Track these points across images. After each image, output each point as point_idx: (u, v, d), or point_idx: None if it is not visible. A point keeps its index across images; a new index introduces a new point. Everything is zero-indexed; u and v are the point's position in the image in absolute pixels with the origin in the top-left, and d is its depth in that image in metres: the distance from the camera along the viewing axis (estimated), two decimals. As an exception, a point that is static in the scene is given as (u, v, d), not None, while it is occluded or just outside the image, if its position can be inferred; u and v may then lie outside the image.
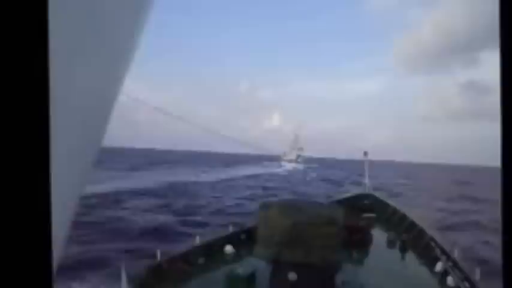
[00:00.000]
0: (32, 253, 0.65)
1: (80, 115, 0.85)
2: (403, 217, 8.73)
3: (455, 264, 5.37)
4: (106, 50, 0.89)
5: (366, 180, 12.02)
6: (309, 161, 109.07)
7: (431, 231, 7.17)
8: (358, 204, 10.35)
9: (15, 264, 0.65)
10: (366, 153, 12.83)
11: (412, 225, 7.95)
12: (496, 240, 11.91)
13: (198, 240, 6.26)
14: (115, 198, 19.89)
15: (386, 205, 10.17)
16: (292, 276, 3.96)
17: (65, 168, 0.75)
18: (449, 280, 5.06)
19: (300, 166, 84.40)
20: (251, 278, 4.87)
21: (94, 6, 0.80)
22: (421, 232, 7.29)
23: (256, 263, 4.82)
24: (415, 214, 8.88)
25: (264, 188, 30.83)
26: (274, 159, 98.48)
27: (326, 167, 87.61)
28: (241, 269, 4.92)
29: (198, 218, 15.86)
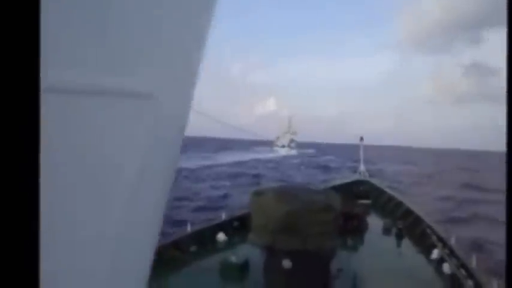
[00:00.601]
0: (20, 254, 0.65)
1: None
2: (399, 204, 8.83)
3: (451, 252, 5.46)
4: None
5: (361, 166, 12.11)
6: (304, 146, 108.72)
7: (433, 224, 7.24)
8: (353, 191, 10.43)
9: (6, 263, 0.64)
10: (361, 138, 12.93)
11: (408, 212, 8.05)
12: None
13: (189, 228, 6.29)
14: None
15: (382, 191, 10.27)
16: (286, 263, 4.00)
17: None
18: (446, 267, 5.15)
19: (293, 151, 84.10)
20: (245, 265, 4.92)
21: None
22: (418, 219, 7.39)
23: (249, 251, 4.87)
24: (417, 205, 8.92)
25: (248, 176, 30.15)
26: (268, 144, 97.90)
27: (322, 153, 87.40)
28: (235, 256, 4.96)
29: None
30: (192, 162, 39.18)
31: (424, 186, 27.47)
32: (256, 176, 30.62)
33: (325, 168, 40.90)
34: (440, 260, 5.43)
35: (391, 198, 9.49)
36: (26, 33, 0.60)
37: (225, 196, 19.60)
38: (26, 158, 0.63)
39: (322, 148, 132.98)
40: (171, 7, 0.83)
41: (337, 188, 10.01)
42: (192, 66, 0.95)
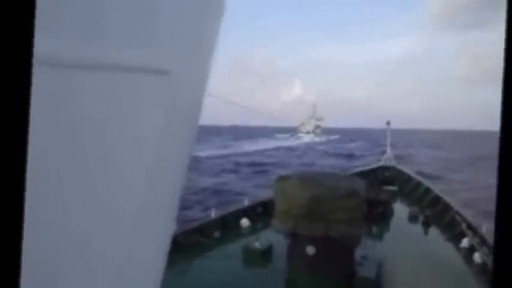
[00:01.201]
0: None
1: None
2: (427, 190, 8.69)
3: (483, 241, 5.34)
4: None
5: (388, 151, 11.90)
6: (330, 131, 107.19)
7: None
8: (379, 177, 10.32)
9: None
10: (388, 123, 12.71)
11: (437, 199, 7.91)
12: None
13: (213, 213, 6.41)
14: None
15: (409, 177, 10.10)
16: (310, 250, 4.04)
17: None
18: (476, 257, 5.05)
19: (318, 138, 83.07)
20: (268, 251, 5.02)
21: None
22: (447, 206, 7.26)
23: (273, 237, 4.94)
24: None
25: (252, 165, 29.65)
26: (293, 131, 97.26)
27: (349, 139, 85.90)
28: (258, 242, 5.06)
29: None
30: (207, 151, 39.10)
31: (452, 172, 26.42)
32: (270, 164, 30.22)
33: (351, 156, 39.95)
34: (471, 249, 5.33)
35: (418, 185, 9.35)
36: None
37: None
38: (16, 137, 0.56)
39: (349, 133, 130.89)
40: None
41: (362, 174, 9.95)
42: (209, 45, 0.94)
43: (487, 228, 5.82)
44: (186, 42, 0.85)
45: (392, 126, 13.06)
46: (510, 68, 0.48)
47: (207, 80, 0.97)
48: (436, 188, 8.62)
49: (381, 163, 11.76)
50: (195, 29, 0.88)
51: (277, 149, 49.61)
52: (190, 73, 0.88)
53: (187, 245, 5.32)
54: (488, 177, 22.33)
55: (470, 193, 15.69)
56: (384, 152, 12.47)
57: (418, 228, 6.67)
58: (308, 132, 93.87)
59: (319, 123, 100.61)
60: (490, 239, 5.35)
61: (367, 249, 4.89)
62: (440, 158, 37.95)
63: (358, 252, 4.40)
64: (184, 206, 12.29)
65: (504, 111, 0.48)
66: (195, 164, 28.13)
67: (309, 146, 56.63)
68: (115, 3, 0.70)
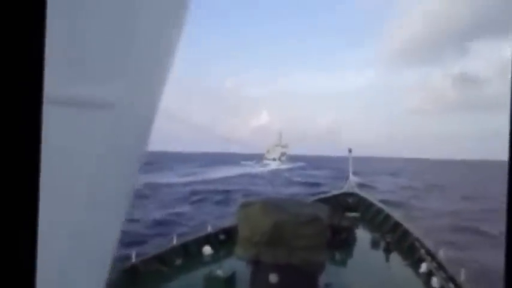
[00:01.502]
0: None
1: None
2: (388, 217, 8.94)
3: (440, 265, 5.53)
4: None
5: (350, 178, 12.21)
6: (295, 159, 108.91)
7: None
8: (341, 203, 10.51)
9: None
10: (350, 150, 13.12)
11: (397, 225, 8.15)
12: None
13: (175, 241, 6.24)
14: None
15: (371, 204, 10.36)
16: (273, 277, 3.99)
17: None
18: (434, 281, 5.20)
19: (284, 165, 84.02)
20: (231, 279, 4.93)
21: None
22: (406, 232, 7.48)
23: (236, 264, 4.86)
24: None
25: (213, 192, 27.55)
26: (260, 158, 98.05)
27: (313, 166, 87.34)
28: (221, 270, 4.96)
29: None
30: (172, 178, 37.78)
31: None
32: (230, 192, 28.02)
33: (315, 184, 39.53)
34: (429, 274, 5.49)
35: (379, 211, 9.60)
36: None
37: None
38: None
39: (314, 161, 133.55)
40: (140, 17, 0.83)
41: (325, 200, 10.12)
42: (159, 77, 0.95)
43: (444, 253, 6.05)
44: (133, 75, 0.85)
45: (355, 154, 13.48)
46: None
47: (155, 112, 0.98)
48: (398, 215, 8.88)
49: (344, 190, 12.01)
50: (143, 62, 0.88)
51: (242, 176, 49.16)
52: (137, 106, 0.88)
53: (147, 273, 5.12)
54: (446, 205, 23.51)
55: (430, 221, 16.17)
56: (346, 179, 12.78)
57: (380, 254, 6.79)
58: (274, 159, 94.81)
59: (284, 150, 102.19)
60: (446, 264, 5.56)
61: (331, 276, 4.92)
62: (401, 185, 39.22)
63: (322, 279, 4.40)
64: (127, 242, 9.24)
65: None
66: (149, 192, 26.40)
67: (274, 173, 56.90)
68: (58, 35, 0.68)
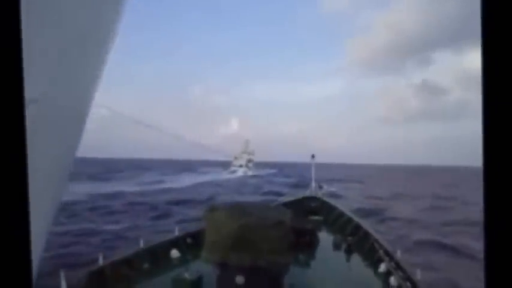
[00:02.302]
0: (11, 257, 0.67)
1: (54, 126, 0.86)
2: (349, 220, 9.31)
3: (397, 265, 5.83)
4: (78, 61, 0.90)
5: (313, 183, 12.55)
6: (263, 165, 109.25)
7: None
8: (305, 207, 10.81)
9: None
10: (313, 156, 13.51)
11: (358, 227, 8.49)
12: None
13: (142, 244, 6.20)
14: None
15: (333, 208, 10.73)
16: (239, 279, 4.13)
17: (41, 177, 0.78)
18: (392, 280, 5.50)
19: (251, 172, 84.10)
20: (198, 282, 5.01)
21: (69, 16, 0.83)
22: (366, 234, 7.81)
23: (203, 267, 4.94)
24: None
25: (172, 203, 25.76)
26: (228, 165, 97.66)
27: (281, 173, 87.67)
28: (188, 273, 5.04)
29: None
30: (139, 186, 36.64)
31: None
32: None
33: (280, 192, 37.67)
34: (388, 273, 5.78)
35: (341, 214, 9.99)
36: None
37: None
38: None
39: (281, 167, 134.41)
40: (67, 19, 0.84)
41: (289, 205, 10.38)
42: (89, 76, 0.95)
43: (401, 253, 6.40)
44: (59, 71, 0.84)
45: (320, 160, 13.85)
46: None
47: (86, 108, 1.00)
48: (366, 223, 9.18)
49: (307, 194, 12.37)
50: (71, 59, 0.87)
51: (208, 183, 48.39)
52: (64, 101, 0.86)
53: (114, 277, 5.08)
54: (411, 212, 24.23)
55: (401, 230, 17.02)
56: (309, 184, 13.10)
57: (341, 255, 7.07)
58: (241, 166, 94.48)
59: (251, 157, 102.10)
60: (404, 263, 5.89)
61: (295, 277, 5.10)
62: (366, 192, 39.93)
63: (287, 280, 4.58)
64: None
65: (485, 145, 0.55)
66: (103, 202, 24.49)
67: (240, 180, 56.81)
68: None
